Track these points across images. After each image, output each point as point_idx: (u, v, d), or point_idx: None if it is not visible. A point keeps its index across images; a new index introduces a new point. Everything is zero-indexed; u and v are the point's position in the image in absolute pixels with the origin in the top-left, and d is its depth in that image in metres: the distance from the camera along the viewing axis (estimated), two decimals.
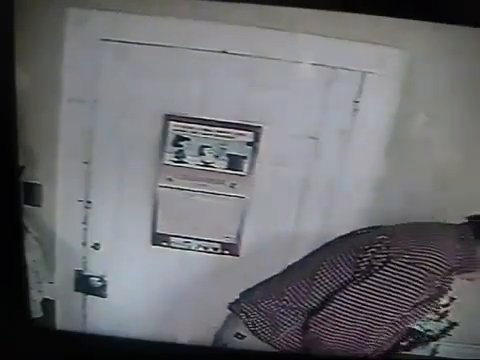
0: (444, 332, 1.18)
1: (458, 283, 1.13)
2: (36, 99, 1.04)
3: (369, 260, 1.00)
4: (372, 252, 1.01)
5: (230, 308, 1.11)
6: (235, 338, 1.07)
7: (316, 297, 1.04)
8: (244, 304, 1.09)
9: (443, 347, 1.19)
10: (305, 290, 1.05)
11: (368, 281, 0.99)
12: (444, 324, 1.17)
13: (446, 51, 0.98)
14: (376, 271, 0.99)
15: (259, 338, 1.06)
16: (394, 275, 0.98)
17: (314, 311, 1.01)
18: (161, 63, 1.03)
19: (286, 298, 1.05)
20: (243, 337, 1.06)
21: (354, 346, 1.01)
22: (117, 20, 1.00)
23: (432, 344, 1.19)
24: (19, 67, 0.98)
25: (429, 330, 1.17)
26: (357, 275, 1.00)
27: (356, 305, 0.99)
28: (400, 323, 1.02)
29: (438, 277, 0.98)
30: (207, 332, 1.17)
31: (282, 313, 1.04)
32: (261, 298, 1.08)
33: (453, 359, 1.17)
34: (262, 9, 0.95)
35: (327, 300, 1.01)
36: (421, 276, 0.97)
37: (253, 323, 1.06)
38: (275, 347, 1.06)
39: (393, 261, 0.98)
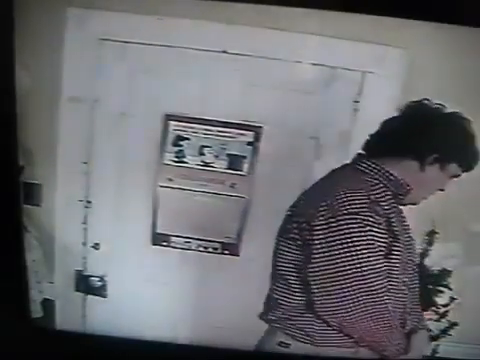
0: (444, 332, 1.18)
1: (458, 283, 1.14)
2: (36, 99, 1.04)
3: (297, 234, 0.97)
4: (294, 227, 0.98)
5: (267, 322, 1.06)
6: (279, 347, 1.02)
7: (294, 287, 1.00)
8: (266, 317, 1.05)
9: (443, 347, 1.20)
10: (285, 286, 1.02)
11: (315, 252, 0.94)
12: (444, 324, 1.17)
13: (446, 51, 0.98)
14: (311, 239, 0.94)
15: (304, 343, 1.01)
16: (326, 233, 0.93)
17: (310, 303, 0.99)
18: (161, 63, 1.03)
19: (281, 303, 1.02)
20: (288, 345, 1.02)
21: (378, 314, 0.94)
22: (117, 20, 1.00)
23: (432, 344, 1.19)
24: (19, 67, 0.98)
25: (429, 330, 1.17)
26: (306, 252, 0.96)
27: (330, 273, 0.93)
28: (395, 277, 0.96)
29: (366, 214, 0.91)
30: (207, 331, 1.17)
31: (292, 316, 1.03)
32: (269, 310, 1.05)
33: (453, 359, 1.17)
34: (262, 9, 0.95)
35: (306, 286, 0.97)
36: (347, 220, 0.91)
37: (286, 332, 1.02)
38: (326, 346, 1.00)
39: (313, 224, 0.94)
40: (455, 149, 0.98)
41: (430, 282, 1.14)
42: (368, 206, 0.93)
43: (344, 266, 0.93)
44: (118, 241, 1.16)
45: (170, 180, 1.10)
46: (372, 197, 0.94)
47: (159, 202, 1.12)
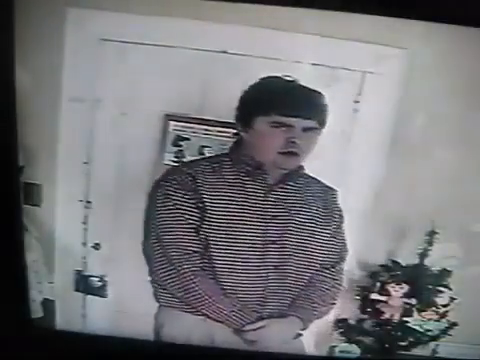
0: (444, 332, 1.17)
1: (458, 283, 1.13)
2: (36, 99, 1.04)
3: None
4: None
5: None
6: None
7: None
8: None
9: (443, 347, 1.19)
10: None
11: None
12: (444, 324, 1.17)
13: (445, 51, 0.98)
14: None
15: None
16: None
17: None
18: (161, 63, 1.03)
19: None
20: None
21: (176, 266, 1.02)
22: (117, 20, 1.00)
23: (432, 344, 1.19)
24: (19, 67, 0.98)
25: (429, 330, 1.17)
26: None
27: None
28: (214, 250, 1.02)
29: (168, 184, 1.02)
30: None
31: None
32: None
33: (453, 359, 1.17)
34: (262, 9, 0.95)
35: None
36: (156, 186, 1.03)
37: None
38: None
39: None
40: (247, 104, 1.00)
41: (430, 282, 1.14)
42: (175, 177, 1.02)
43: (152, 225, 1.04)
44: (118, 241, 1.16)
45: None
46: (192, 172, 1.01)
47: None
